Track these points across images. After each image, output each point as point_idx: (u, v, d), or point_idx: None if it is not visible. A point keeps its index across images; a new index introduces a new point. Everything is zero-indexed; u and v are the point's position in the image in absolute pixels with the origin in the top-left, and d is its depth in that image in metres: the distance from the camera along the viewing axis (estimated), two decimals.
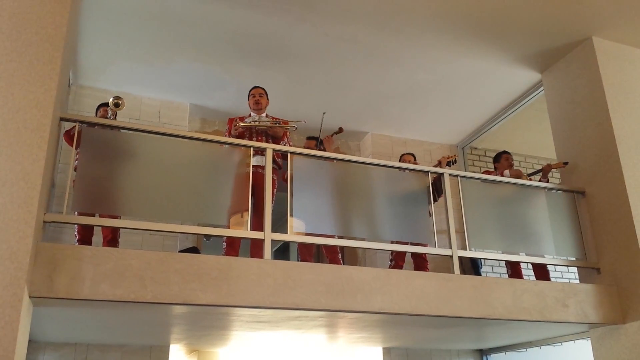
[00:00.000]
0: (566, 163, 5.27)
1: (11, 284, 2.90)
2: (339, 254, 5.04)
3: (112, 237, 4.45)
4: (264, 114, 4.96)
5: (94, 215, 4.02)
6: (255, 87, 5.07)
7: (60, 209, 3.79)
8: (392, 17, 4.94)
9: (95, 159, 3.83)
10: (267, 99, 5.05)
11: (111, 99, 4.28)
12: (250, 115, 4.92)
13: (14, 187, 3.08)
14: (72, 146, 4.00)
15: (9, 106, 3.22)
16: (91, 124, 3.96)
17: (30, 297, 3.11)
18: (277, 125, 4.82)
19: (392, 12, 4.88)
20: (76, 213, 3.82)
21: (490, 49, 5.44)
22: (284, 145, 4.83)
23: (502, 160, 5.67)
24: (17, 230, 3.00)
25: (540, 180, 5.34)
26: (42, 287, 3.15)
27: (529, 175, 5.90)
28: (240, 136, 4.71)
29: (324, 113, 5.18)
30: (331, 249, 4.95)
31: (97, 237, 4.51)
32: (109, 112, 4.56)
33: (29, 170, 3.14)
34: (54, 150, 3.66)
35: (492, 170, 5.83)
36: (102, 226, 4.26)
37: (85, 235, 4.38)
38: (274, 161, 4.61)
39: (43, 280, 3.16)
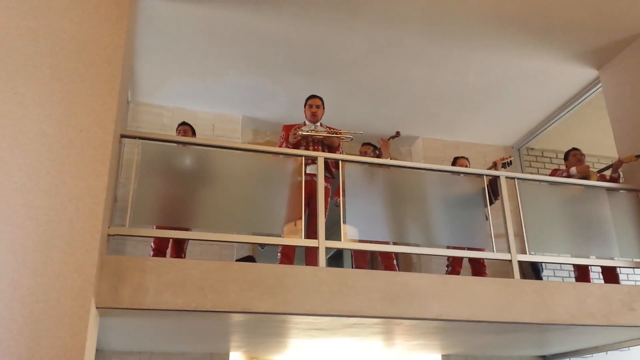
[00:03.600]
0: (639, 156, 5.00)
1: (79, 295, 3.02)
2: (394, 260, 5.01)
3: (178, 247, 4.61)
4: (319, 124, 4.99)
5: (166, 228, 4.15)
6: (313, 96, 5.04)
7: (123, 222, 3.94)
8: (440, 20, 4.90)
9: (155, 173, 3.96)
10: (324, 108, 5.05)
11: None
12: (305, 124, 4.94)
13: (80, 202, 3.21)
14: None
15: (72, 125, 3.37)
16: (150, 139, 4.10)
17: (96, 307, 3.23)
18: (334, 135, 4.84)
19: (439, 16, 4.84)
20: (154, 226, 4.02)
21: (544, 47, 5.30)
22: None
23: (570, 157, 5.47)
24: (83, 243, 3.13)
25: (611, 176, 5.12)
26: (108, 298, 3.27)
27: (600, 171, 5.67)
28: (296, 145, 4.76)
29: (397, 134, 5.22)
30: (386, 255, 4.92)
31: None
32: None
33: (94, 186, 3.27)
34: (116, 166, 3.81)
35: (559, 169, 5.65)
36: (165, 237, 4.40)
37: (162, 246, 4.55)
38: (328, 170, 4.63)
39: (108, 292, 3.28)
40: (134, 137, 3.97)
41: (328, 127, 4.97)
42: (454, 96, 6.17)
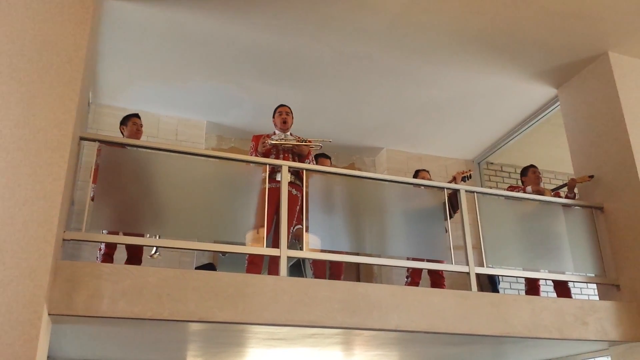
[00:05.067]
0: (592, 176, 5.15)
1: (31, 302, 2.93)
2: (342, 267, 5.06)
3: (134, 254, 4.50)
4: (288, 133, 4.99)
5: (117, 233, 4.06)
6: (282, 105, 5.09)
7: (79, 226, 3.84)
8: (407, 35, 4.97)
9: (114, 177, 3.88)
10: (292, 117, 5.07)
11: None
12: (275, 133, 4.94)
13: (34, 205, 3.13)
14: None
15: (30, 126, 3.29)
16: (110, 143, 4.02)
17: (49, 314, 3.14)
18: (303, 143, 4.85)
19: (406, 31, 4.91)
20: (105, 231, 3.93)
21: (506, 65, 5.44)
22: (309, 164, 4.85)
23: (529, 173, 5.58)
24: (37, 248, 3.05)
25: (566, 195, 5.27)
26: (61, 304, 3.18)
27: (554, 190, 5.83)
28: (266, 154, 4.76)
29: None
30: (336, 264, 4.95)
31: (120, 253, 4.55)
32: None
33: (49, 189, 3.19)
34: (73, 169, 3.73)
35: (516, 185, 5.77)
36: (121, 243, 4.30)
37: (112, 250, 4.43)
38: (300, 178, 4.64)
39: (62, 298, 3.19)
40: (94, 140, 3.89)
41: (297, 137, 4.98)
42: (418, 109, 6.27)
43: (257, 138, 4.92)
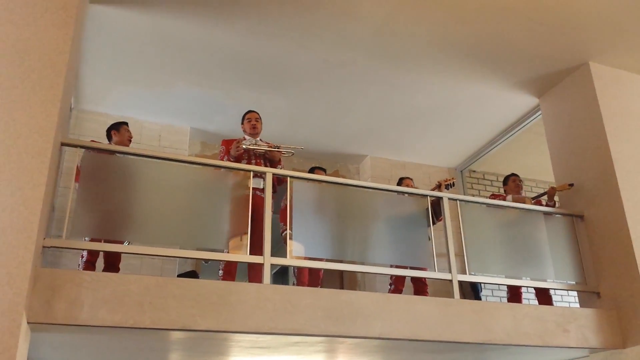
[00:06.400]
0: (571, 185, 5.21)
1: (9, 310, 2.88)
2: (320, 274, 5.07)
3: (111, 263, 4.44)
4: (258, 138, 4.98)
5: (100, 241, 4.01)
6: (251, 111, 5.09)
7: (60, 232, 3.79)
8: (391, 43, 5.00)
9: (95, 183, 3.84)
10: (261, 123, 5.06)
11: None
12: (244, 139, 4.93)
13: (14, 212, 3.08)
14: None
15: (10, 132, 3.24)
16: (92, 149, 3.98)
17: (28, 323, 3.09)
18: (275, 150, 4.85)
19: (390, 39, 4.94)
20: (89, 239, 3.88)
21: (488, 74, 5.49)
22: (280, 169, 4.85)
23: (509, 182, 5.67)
24: (16, 255, 3.00)
25: (547, 204, 5.33)
26: (41, 312, 3.14)
27: (534, 198, 5.90)
28: (238, 159, 4.73)
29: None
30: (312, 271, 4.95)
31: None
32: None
33: (29, 195, 3.15)
34: (54, 175, 3.68)
35: (498, 193, 5.82)
36: (102, 250, 4.25)
37: (94, 257, 4.38)
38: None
39: (41, 306, 3.15)
40: (75, 146, 3.85)
41: (267, 143, 4.98)
42: (402, 117, 6.30)
43: (227, 143, 4.90)
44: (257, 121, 5.01)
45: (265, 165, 4.77)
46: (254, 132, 4.96)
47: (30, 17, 3.57)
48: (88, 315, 3.21)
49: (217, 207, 4.17)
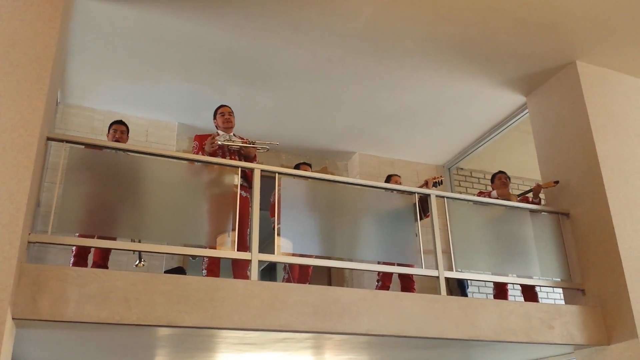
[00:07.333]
0: (557, 182, 5.27)
1: None
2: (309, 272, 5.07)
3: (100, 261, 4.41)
4: (232, 133, 4.93)
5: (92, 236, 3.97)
6: (224, 105, 5.02)
7: (45, 228, 3.76)
8: (379, 41, 5.01)
9: (81, 178, 3.80)
10: (234, 117, 4.99)
11: None
12: (218, 134, 4.86)
13: None
14: None
15: None
16: (78, 144, 3.94)
17: (13, 319, 3.06)
18: (251, 145, 4.81)
19: (379, 36, 4.95)
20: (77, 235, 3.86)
21: (476, 72, 5.52)
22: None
23: (495, 180, 5.71)
24: (1, 250, 2.97)
25: (532, 201, 5.37)
26: (26, 308, 3.10)
27: (519, 195, 5.94)
28: (212, 155, 4.66)
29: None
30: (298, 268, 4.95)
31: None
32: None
33: (14, 190, 3.12)
34: (40, 170, 3.64)
35: (485, 190, 5.85)
36: (89, 246, 4.22)
37: (84, 252, 4.34)
38: (247, 180, 4.57)
39: (26, 302, 3.12)
40: (61, 141, 3.81)
41: (241, 137, 4.93)
42: (391, 114, 6.31)
43: (200, 138, 4.82)
44: (231, 115, 4.93)
45: (240, 161, 4.69)
46: (228, 126, 4.89)
47: (16, 10, 3.53)
48: (74, 311, 3.18)
49: (203, 204, 4.15)
